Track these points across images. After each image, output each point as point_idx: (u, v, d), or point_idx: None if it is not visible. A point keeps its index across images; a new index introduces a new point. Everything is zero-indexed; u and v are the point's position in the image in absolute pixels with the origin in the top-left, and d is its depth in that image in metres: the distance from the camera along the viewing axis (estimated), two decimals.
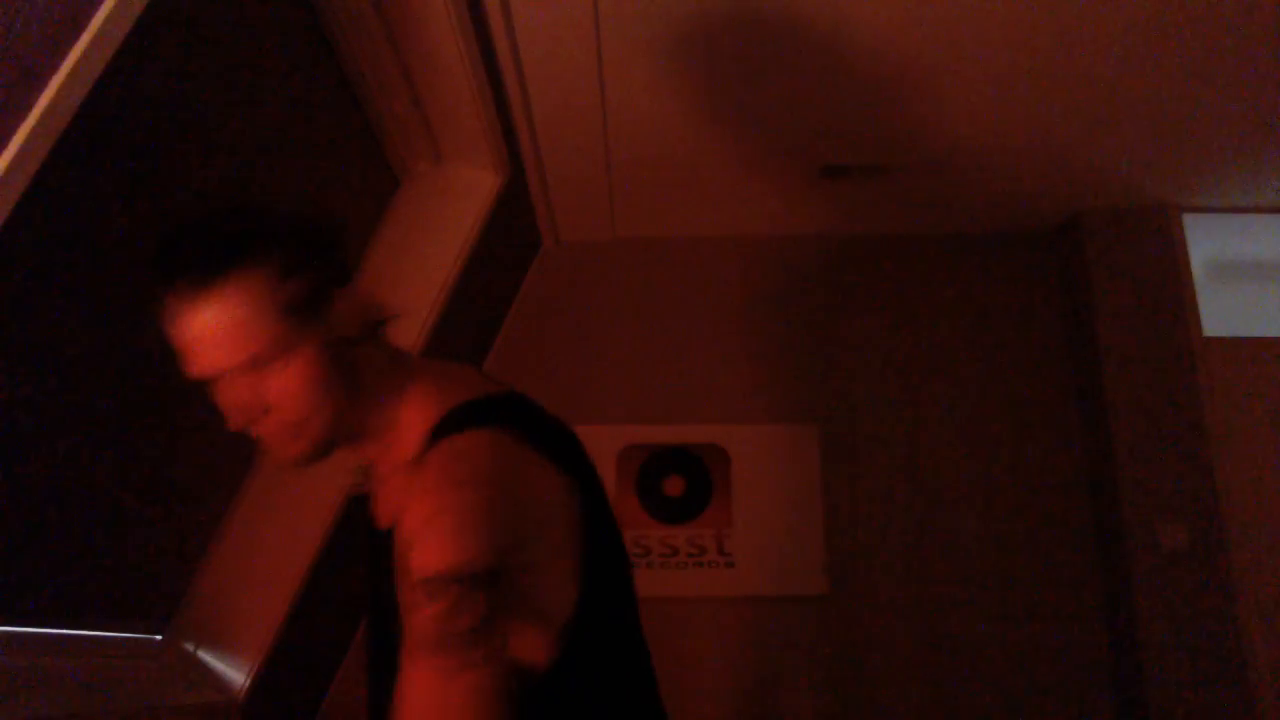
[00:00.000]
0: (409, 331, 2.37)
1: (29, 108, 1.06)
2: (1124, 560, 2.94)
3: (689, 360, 3.30)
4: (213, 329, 0.89)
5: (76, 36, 1.11)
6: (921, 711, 2.99)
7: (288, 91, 1.86)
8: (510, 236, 3.05)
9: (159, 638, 1.92)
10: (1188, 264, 3.19)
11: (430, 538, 0.84)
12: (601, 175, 2.98)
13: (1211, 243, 3.33)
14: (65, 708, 1.50)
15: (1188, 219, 3.25)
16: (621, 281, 3.39)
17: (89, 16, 1.12)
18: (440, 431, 0.94)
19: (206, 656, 1.98)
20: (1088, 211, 3.25)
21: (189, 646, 1.97)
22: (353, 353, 0.98)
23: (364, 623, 1.08)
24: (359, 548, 1.12)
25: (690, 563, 3.08)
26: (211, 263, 0.89)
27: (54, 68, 1.09)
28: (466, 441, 0.91)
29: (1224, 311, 3.24)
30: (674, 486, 3.16)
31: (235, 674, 1.98)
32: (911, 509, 3.17)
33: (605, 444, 3.13)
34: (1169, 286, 3.15)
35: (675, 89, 2.51)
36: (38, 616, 1.54)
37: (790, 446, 3.20)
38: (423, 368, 1.05)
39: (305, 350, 0.92)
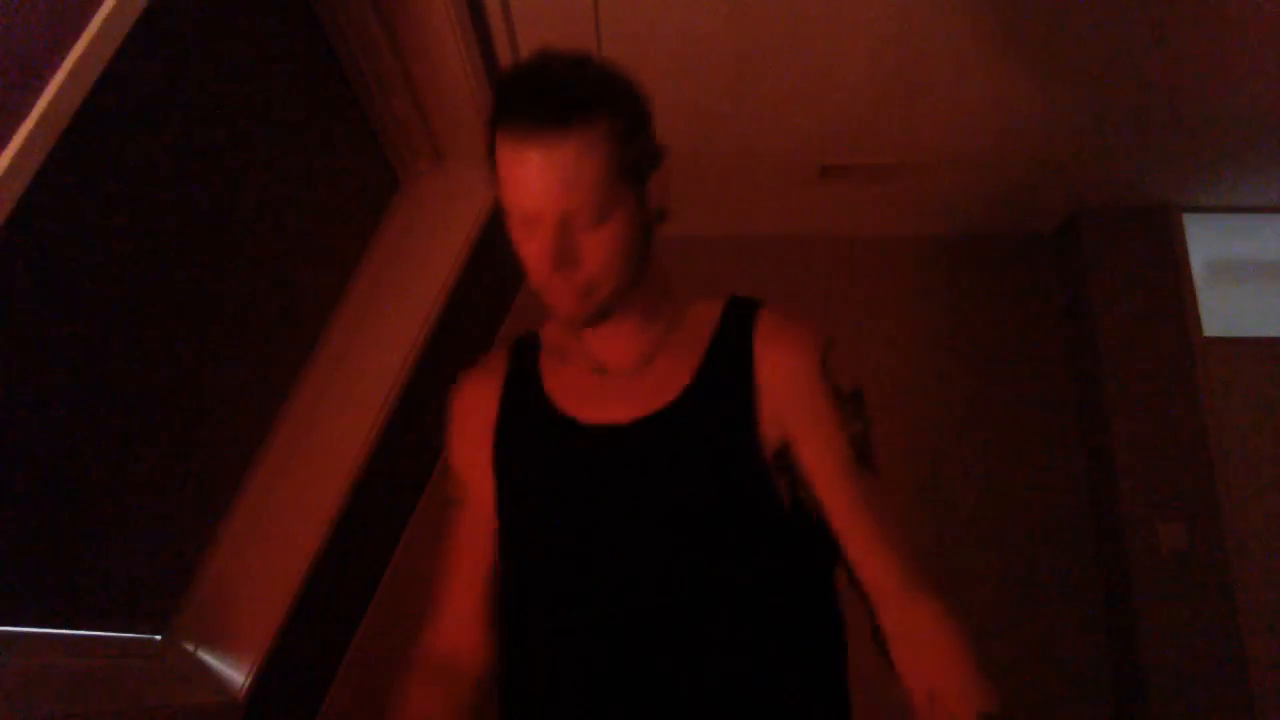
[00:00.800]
0: (409, 331, 2.37)
1: (29, 108, 1.06)
2: (1124, 560, 2.94)
3: None
4: (567, 167, 0.87)
5: (76, 36, 1.11)
6: None
7: (288, 91, 1.86)
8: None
9: (159, 638, 1.92)
10: (1188, 264, 3.19)
11: (837, 362, 1.00)
12: None
13: (1211, 243, 3.34)
14: (65, 708, 1.50)
15: (1188, 219, 3.25)
16: None
17: (89, 16, 1.12)
18: (747, 304, 1.06)
19: (206, 656, 1.98)
20: (1087, 211, 3.25)
21: (189, 646, 1.97)
22: (652, 230, 1.00)
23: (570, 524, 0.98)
24: (560, 453, 1.02)
25: None
26: (586, 101, 0.88)
27: (54, 68, 1.09)
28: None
29: (1224, 311, 3.25)
30: None
31: (235, 674, 1.98)
32: (911, 509, 3.17)
33: None
34: (1169, 286, 3.15)
35: (675, 89, 2.51)
36: (38, 616, 1.54)
37: None
38: None
39: (628, 213, 0.92)
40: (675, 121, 2.68)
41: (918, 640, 0.95)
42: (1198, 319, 3.14)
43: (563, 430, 1.01)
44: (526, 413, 1.05)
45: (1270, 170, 3.01)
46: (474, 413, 1.09)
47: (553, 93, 0.87)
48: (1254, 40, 2.32)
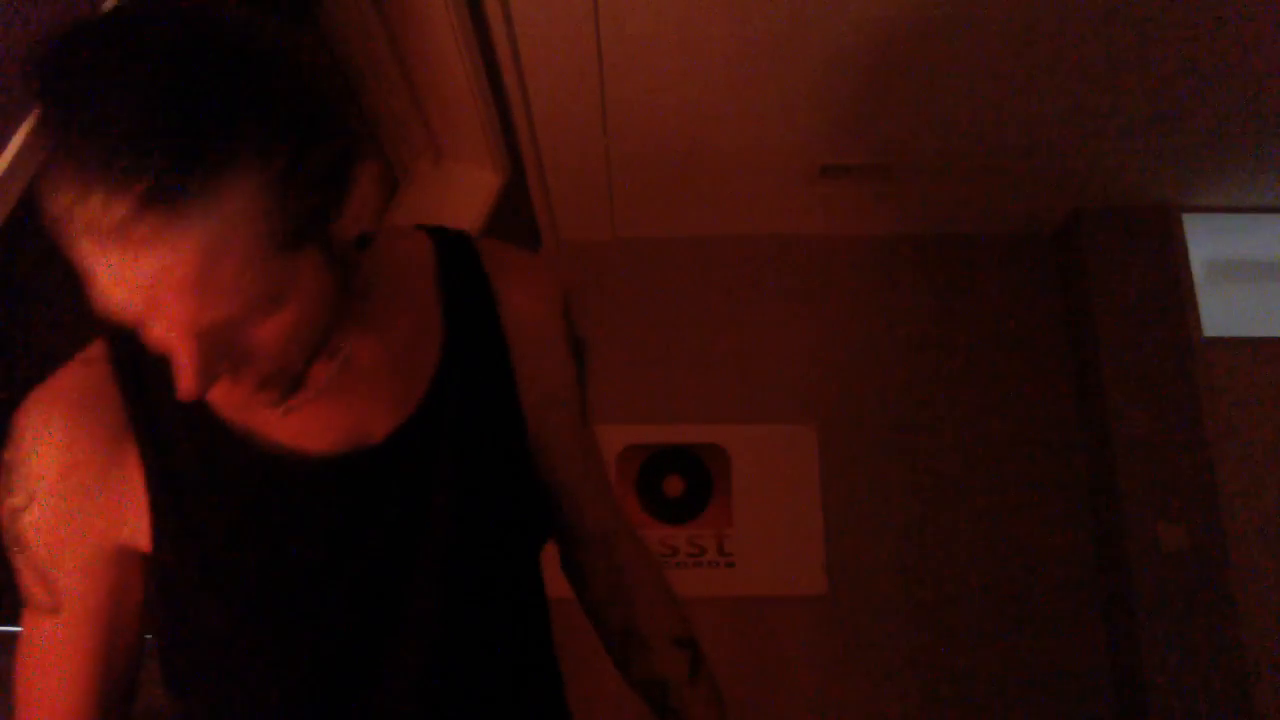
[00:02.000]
0: None
1: (29, 107, 1.06)
2: (1124, 560, 2.94)
3: (689, 360, 3.30)
4: (188, 271, 0.52)
5: None
6: (921, 712, 2.99)
7: None
8: (510, 236, 3.04)
9: None
10: (1188, 264, 3.19)
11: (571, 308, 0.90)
12: (601, 174, 2.98)
13: (1211, 243, 3.33)
14: None
15: (1188, 219, 3.25)
16: (621, 281, 3.39)
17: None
18: (458, 239, 0.82)
19: None
20: (1087, 211, 3.24)
21: None
22: (353, 259, 0.66)
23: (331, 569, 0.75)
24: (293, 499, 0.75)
25: (690, 563, 3.08)
26: (214, 142, 0.50)
27: None
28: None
29: (1224, 311, 3.24)
30: (674, 486, 3.16)
31: None
32: (911, 509, 3.17)
33: (605, 444, 3.11)
34: (1169, 286, 3.15)
35: (675, 88, 2.51)
36: None
37: (789, 446, 3.20)
38: None
39: (304, 282, 0.59)
40: (675, 121, 2.69)
41: (630, 575, 0.96)
42: (1198, 319, 3.14)
43: (278, 469, 0.72)
44: (195, 446, 0.72)
45: (1270, 170, 3.01)
46: (79, 464, 0.73)
47: (144, 136, 0.49)
48: (1254, 40, 2.32)
